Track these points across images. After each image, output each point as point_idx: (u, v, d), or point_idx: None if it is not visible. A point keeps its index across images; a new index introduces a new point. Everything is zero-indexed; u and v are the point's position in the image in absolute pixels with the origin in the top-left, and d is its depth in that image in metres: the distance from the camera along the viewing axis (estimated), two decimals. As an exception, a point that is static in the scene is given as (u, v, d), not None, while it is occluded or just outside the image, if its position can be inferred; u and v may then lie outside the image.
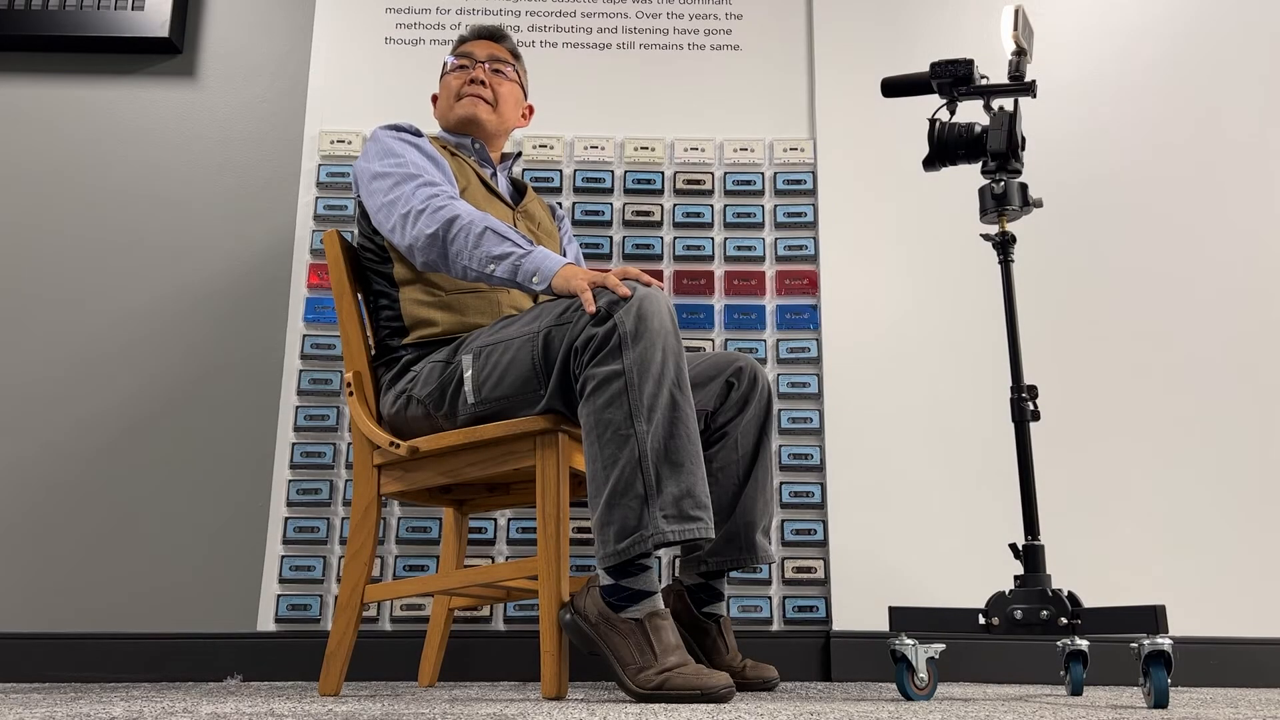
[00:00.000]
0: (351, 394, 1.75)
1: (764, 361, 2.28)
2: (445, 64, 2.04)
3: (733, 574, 2.15)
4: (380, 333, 1.85)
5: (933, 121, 1.73)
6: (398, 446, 1.68)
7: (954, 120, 1.73)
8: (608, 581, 1.48)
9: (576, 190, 2.39)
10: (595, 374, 1.50)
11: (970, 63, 1.72)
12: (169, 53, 2.46)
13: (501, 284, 1.63)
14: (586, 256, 2.33)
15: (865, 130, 2.42)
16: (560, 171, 2.40)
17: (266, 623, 2.12)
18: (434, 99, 2.08)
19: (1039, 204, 1.69)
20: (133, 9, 2.42)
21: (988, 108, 1.72)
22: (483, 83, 1.99)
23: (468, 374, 1.66)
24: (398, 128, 1.87)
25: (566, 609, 1.51)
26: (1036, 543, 1.57)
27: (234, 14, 2.49)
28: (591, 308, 1.51)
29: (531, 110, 2.13)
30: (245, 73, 2.46)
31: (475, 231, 1.64)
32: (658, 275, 2.33)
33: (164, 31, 2.41)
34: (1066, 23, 2.50)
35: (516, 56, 2.08)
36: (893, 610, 1.58)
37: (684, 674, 1.39)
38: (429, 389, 1.70)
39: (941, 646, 1.56)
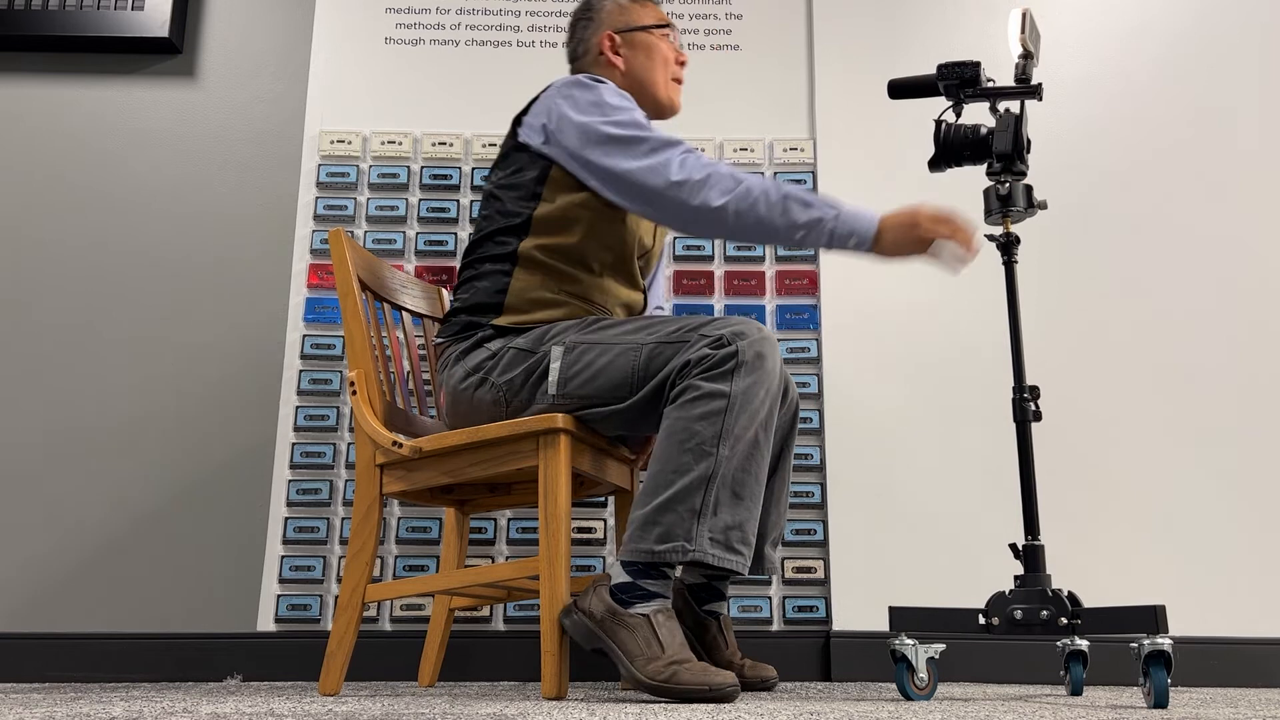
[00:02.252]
0: (354, 393, 1.75)
1: (764, 361, 2.28)
2: (632, 12, 1.91)
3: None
4: (464, 301, 1.76)
5: (939, 122, 1.73)
6: (400, 446, 1.68)
7: (960, 122, 1.73)
8: (622, 579, 1.49)
9: (577, 190, 2.39)
10: (700, 386, 1.51)
11: (977, 65, 1.72)
12: (169, 53, 2.46)
13: (815, 247, 1.60)
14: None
15: (865, 130, 2.42)
16: (560, 171, 2.40)
17: (266, 623, 2.12)
18: (608, 41, 1.90)
19: (1044, 206, 1.69)
20: (133, 9, 2.42)
21: (994, 110, 1.72)
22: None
23: (555, 365, 1.63)
24: (598, 80, 1.75)
25: (568, 611, 1.51)
26: (1036, 543, 1.57)
27: (234, 14, 2.49)
28: (969, 247, 1.55)
29: None
30: (245, 73, 2.46)
31: (773, 199, 1.59)
32: (658, 275, 2.33)
33: (164, 31, 2.41)
34: (1070, 23, 2.50)
35: None
36: (893, 610, 1.58)
37: (691, 669, 1.39)
38: (509, 375, 1.67)
39: (941, 646, 1.56)
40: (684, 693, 1.38)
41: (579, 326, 1.68)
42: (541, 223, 1.73)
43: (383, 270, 1.94)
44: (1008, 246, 1.68)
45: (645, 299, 1.95)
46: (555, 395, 1.63)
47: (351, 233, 2.33)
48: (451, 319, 1.77)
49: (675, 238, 2.35)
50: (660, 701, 1.39)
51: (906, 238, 1.56)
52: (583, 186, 1.71)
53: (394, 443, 1.69)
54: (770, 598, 2.16)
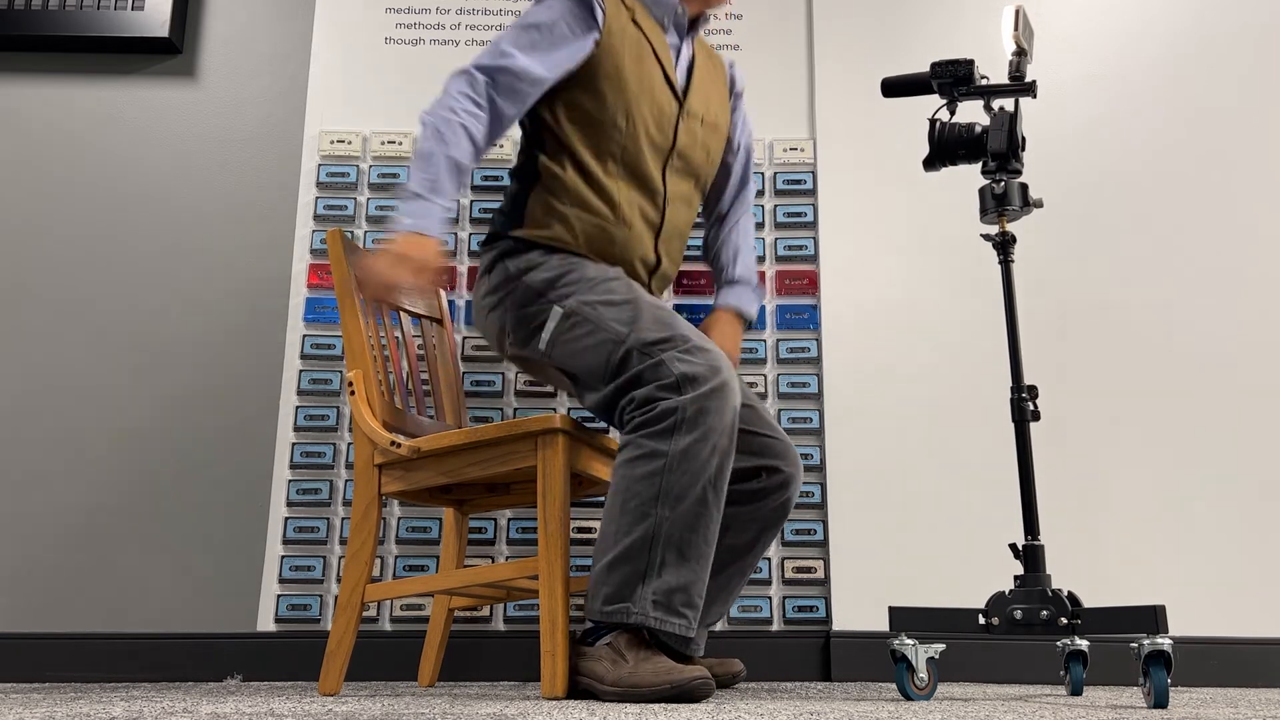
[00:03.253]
0: (353, 393, 1.75)
1: (764, 361, 2.28)
2: None
3: None
4: (495, 213, 1.83)
5: (933, 121, 1.73)
6: (399, 446, 1.68)
7: (954, 120, 1.73)
8: (587, 626, 1.53)
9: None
10: (641, 444, 1.52)
11: (970, 63, 1.72)
12: (169, 53, 2.46)
13: None
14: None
15: (865, 130, 2.42)
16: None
17: (266, 623, 2.12)
18: None
19: (1039, 204, 1.69)
20: (133, 9, 2.42)
21: (988, 108, 1.72)
22: None
23: (550, 325, 1.67)
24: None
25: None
26: (1036, 543, 1.57)
27: (234, 14, 2.49)
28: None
29: None
30: (245, 73, 2.46)
31: (419, 149, 1.66)
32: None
33: (164, 31, 2.41)
34: (1066, 22, 2.50)
35: None
36: (893, 610, 1.58)
37: (655, 668, 1.40)
38: (517, 312, 1.72)
39: (941, 646, 1.56)
40: (649, 693, 1.38)
41: (587, 286, 1.68)
42: (548, 132, 1.79)
43: None
44: (1004, 245, 1.68)
45: (717, 237, 2.02)
46: (544, 353, 1.69)
47: (351, 233, 2.33)
48: (489, 232, 1.84)
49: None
50: (661, 703, 1.39)
51: (373, 264, 1.56)
52: (554, 93, 1.78)
53: (392, 443, 1.69)
54: (770, 598, 2.16)
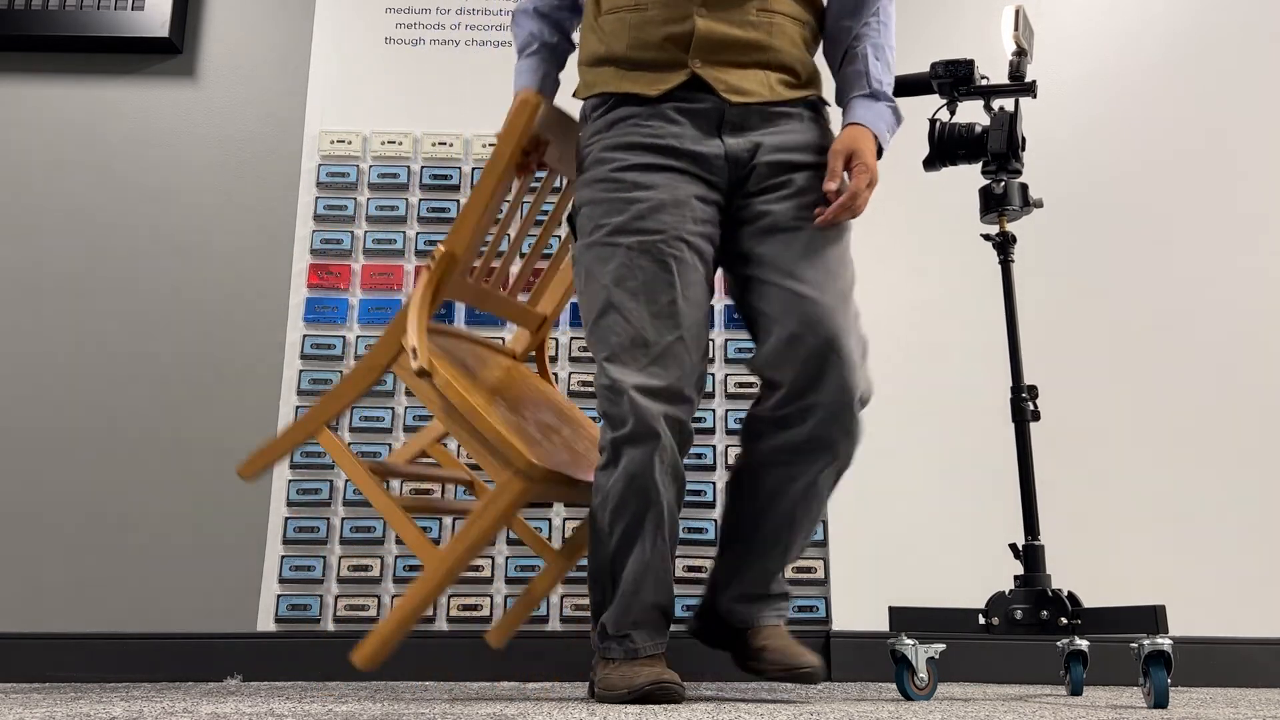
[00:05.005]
0: (429, 267, 1.57)
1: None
2: None
3: None
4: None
5: (933, 121, 1.73)
6: (415, 355, 1.51)
7: (954, 120, 1.73)
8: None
9: (576, 190, 2.38)
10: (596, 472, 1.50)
11: (971, 63, 1.72)
12: (169, 53, 2.46)
13: None
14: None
15: (865, 130, 2.42)
16: (560, 171, 2.40)
17: (266, 623, 2.12)
18: None
19: (1039, 204, 1.70)
20: (133, 9, 2.42)
21: (988, 108, 1.72)
22: None
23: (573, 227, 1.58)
24: None
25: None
26: (1036, 543, 1.57)
27: (234, 14, 2.49)
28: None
29: None
30: (245, 73, 2.46)
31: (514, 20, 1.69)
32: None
33: (164, 31, 2.41)
34: (1066, 22, 2.50)
35: None
36: (893, 610, 1.58)
37: (620, 674, 1.41)
38: (580, 175, 1.59)
39: (941, 646, 1.56)
40: (609, 697, 1.40)
41: (590, 212, 1.53)
42: None
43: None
44: (1004, 245, 1.68)
45: (849, 28, 1.60)
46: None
47: (351, 233, 2.33)
48: None
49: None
50: (661, 703, 1.39)
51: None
52: None
53: (414, 349, 1.52)
54: (770, 598, 2.15)
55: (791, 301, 1.47)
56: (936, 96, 1.76)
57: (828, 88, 1.63)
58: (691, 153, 1.51)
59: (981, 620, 1.54)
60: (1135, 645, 1.40)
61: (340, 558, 2.15)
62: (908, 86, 1.77)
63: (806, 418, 1.46)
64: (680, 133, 1.51)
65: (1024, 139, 1.71)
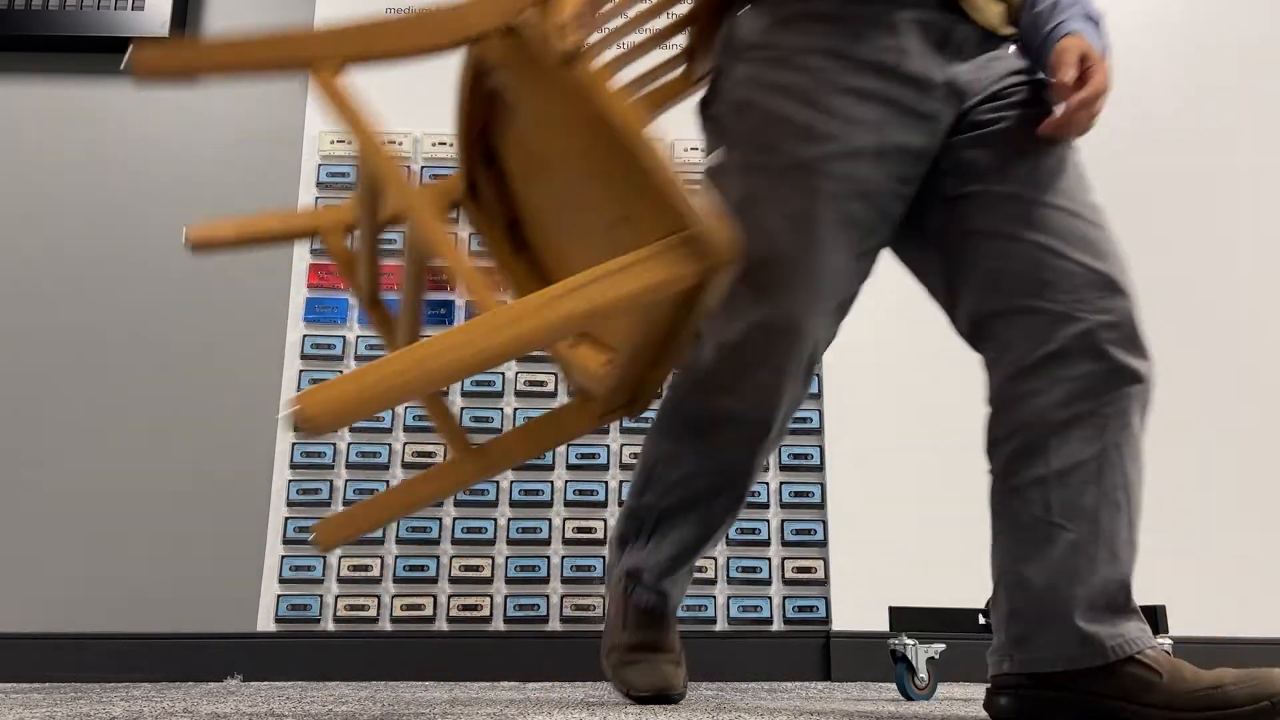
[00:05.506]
0: None
1: (764, 361, 2.28)
2: None
3: (736, 576, 2.15)
4: None
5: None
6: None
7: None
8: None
9: (576, 190, 2.39)
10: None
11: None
12: (169, 53, 2.46)
13: None
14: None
15: (865, 130, 2.42)
16: (560, 171, 2.40)
17: (266, 623, 2.12)
18: None
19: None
20: (133, 9, 2.42)
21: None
22: None
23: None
24: None
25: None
26: (1037, 543, 1.56)
27: (234, 14, 2.49)
28: None
29: None
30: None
31: None
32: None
33: (164, 31, 2.41)
34: (1066, 23, 2.50)
35: None
36: (893, 610, 1.58)
37: (637, 669, 1.40)
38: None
39: (941, 646, 1.56)
40: (625, 692, 1.40)
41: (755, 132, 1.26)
42: None
43: None
44: (1007, 246, 1.67)
45: None
46: None
47: (351, 233, 2.33)
48: None
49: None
50: (661, 702, 1.39)
51: None
52: None
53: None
54: (770, 598, 2.16)
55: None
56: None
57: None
58: (915, 78, 1.20)
59: (981, 620, 1.54)
60: (1135, 645, 1.40)
61: (340, 557, 2.15)
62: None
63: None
64: (904, 46, 1.19)
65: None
